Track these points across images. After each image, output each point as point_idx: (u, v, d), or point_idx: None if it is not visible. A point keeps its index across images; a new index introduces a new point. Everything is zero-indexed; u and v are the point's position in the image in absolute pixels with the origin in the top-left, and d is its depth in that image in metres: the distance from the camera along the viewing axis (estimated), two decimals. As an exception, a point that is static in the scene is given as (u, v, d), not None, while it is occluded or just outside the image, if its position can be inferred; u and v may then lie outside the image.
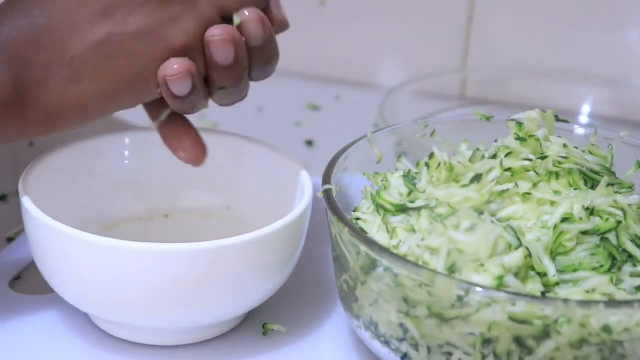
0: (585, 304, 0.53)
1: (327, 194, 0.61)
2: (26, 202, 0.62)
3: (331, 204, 0.61)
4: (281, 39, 0.94)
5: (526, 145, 0.63)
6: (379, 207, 0.62)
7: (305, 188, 0.65)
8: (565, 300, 0.53)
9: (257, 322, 0.66)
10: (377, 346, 0.60)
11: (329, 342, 0.65)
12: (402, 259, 0.56)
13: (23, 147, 0.90)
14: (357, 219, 0.63)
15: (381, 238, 0.61)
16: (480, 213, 0.59)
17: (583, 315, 0.53)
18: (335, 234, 0.61)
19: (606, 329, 0.53)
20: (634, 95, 1.00)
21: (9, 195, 0.81)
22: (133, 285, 0.60)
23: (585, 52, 1.02)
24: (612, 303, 0.54)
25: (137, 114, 0.91)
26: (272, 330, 0.66)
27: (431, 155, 0.63)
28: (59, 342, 0.64)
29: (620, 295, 0.56)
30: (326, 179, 0.63)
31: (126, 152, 0.72)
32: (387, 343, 0.59)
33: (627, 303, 0.54)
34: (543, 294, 0.56)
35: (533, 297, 0.54)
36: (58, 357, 0.63)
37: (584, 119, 0.99)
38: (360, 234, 0.58)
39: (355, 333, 0.65)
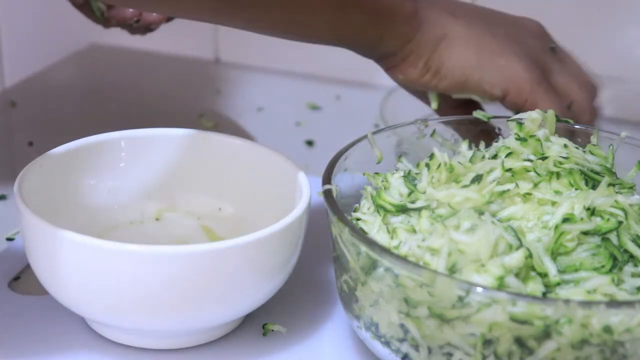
0: (586, 304, 0.53)
1: (327, 194, 0.61)
2: (21, 204, 0.62)
3: (331, 204, 0.60)
4: (281, 39, 0.94)
5: (526, 146, 0.63)
6: (379, 208, 0.62)
7: (303, 189, 0.65)
8: (567, 301, 0.53)
9: (256, 322, 0.66)
10: (377, 346, 0.60)
11: (329, 343, 0.65)
12: (403, 259, 0.56)
13: (22, 147, 0.90)
14: (358, 219, 0.63)
15: (381, 238, 0.61)
16: (481, 213, 0.58)
17: (584, 315, 0.53)
18: (335, 234, 0.60)
19: (607, 329, 0.53)
20: (633, 95, 1.00)
21: (8, 196, 0.81)
22: (130, 288, 0.59)
23: (585, 51, 1.02)
24: (614, 303, 0.54)
25: (135, 114, 0.91)
26: (272, 330, 0.65)
27: (431, 156, 0.63)
28: (56, 344, 0.64)
29: (622, 295, 0.56)
30: (326, 179, 0.62)
31: (123, 154, 0.72)
32: (387, 344, 0.59)
33: (629, 303, 0.53)
34: (544, 294, 0.55)
35: (534, 297, 0.54)
36: (55, 358, 0.63)
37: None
38: (361, 234, 0.58)
39: (355, 333, 0.65)
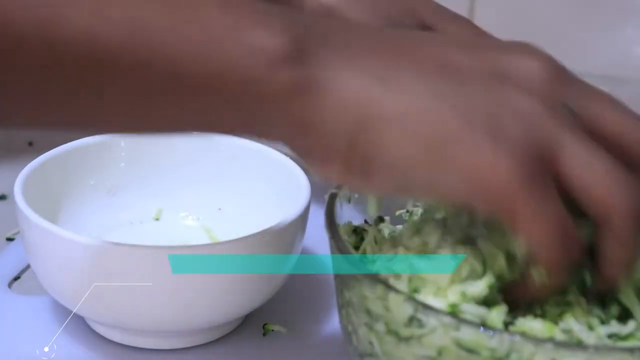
0: (530, 340, 0.49)
1: (330, 198, 0.60)
2: (21, 204, 0.62)
3: (328, 209, 0.59)
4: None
5: None
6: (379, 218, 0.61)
7: (303, 189, 0.65)
8: (512, 334, 0.49)
9: (257, 322, 0.66)
10: (354, 358, 0.58)
11: (329, 343, 0.65)
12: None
13: (22, 147, 0.90)
14: (364, 229, 0.62)
15: (372, 249, 0.59)
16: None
17: (529, 352, 0.49)
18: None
19: None
20: (632, 95, 1.00)
21: (8, 196, 0.81)
22: (130, 288, 0.59)
23: (583, 51, 1.02)
24: (562, 343, 0.50)
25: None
26: (272, 330, 0.65)
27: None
28: (57, 344, 0.63)
29: (588, 336, 0.52)
30: (339, 185, 0.60)
31: (123, 154, 0.72)
32: (361, 356, 0.57)
33: (581, 346, 0.50)
34: (506, 325, 0.52)
35: (476, 324, 0.50)
36: (55, 358, 0.63)
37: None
38: (336, 238, 0.56)
39: (355, 333, 0.65)
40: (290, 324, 0.66)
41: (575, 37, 1.02)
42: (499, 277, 0.52)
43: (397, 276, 0.54)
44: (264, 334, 0.65)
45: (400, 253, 0.55)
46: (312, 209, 0.65)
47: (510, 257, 0.52)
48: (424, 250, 0.54)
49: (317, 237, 0.69)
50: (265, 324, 0.66)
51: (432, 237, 0.55)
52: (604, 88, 1.01)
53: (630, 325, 0.52)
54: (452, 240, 0.54)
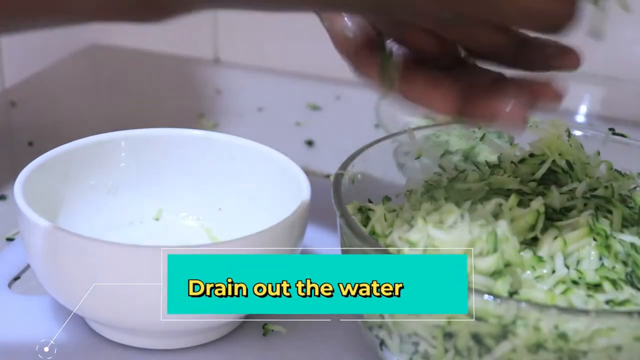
0: (536, 306, 0.51)
1: (336, 177, 0.61)
2: (21, 204, 0.62)
3: (336, 189, 0.60)
4: (281, 39, 0.95)
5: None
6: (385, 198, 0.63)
7: (303, 189, 0.65)
8: (518, 301, 0.51)
9: (257, 322, 0.66)
10: (364, 331, 0.59)
11: (329, 342, 0.65)
12: (371, 241, 0.56)
13: (22, 147, 0.90)
14: (369, 209, 0.63)
15: (380, 225, 0.61)
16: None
17: (535, 318, 0.51)
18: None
19: (562, 335, 0.51)
20: (630, 94, 1.00)
21: (8, 196, 0.81)
22: (130, 288, 0.59)
23: (583, 50, 1.02)
24: (566, 309, 0.52)
25: (135, 114, 0.91)
26: (272, 330, 0.66)
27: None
28: (57, 344, 0.64)
29: (588, 303, 0.54)
30: (344, 165, 0.62)
31: (123, 154, 0.72)
32: (370, 328, 0.58)
33: (583, 311, 0.51)
34: (511, 294, 0.54)
35: (481, 292, 0.52)
36: (55, 358, 0.63)
37: (580, 118, 0.99)
38: (345, 215, 0.58)
39: (355, 334, 0.65)
40: (290, 324, 0.66)
41: (574, 36, 1.02)
42: (507, 263, 0.55)
43: (412, 244, 0.56)
44: (264, 334, 0.65)
45: (419, 224, 0.56)
46: (312, 208, 0.65)
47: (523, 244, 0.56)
48: (441, 227, 0.56)
49: (317, 236, 0.70)
50: (265, 324, 0.66)
51: (451, 216, 0.56)
52: (604, 88, 1.02)
53: (626, 292, 0.55)
54: (469, 220, 0.56)
